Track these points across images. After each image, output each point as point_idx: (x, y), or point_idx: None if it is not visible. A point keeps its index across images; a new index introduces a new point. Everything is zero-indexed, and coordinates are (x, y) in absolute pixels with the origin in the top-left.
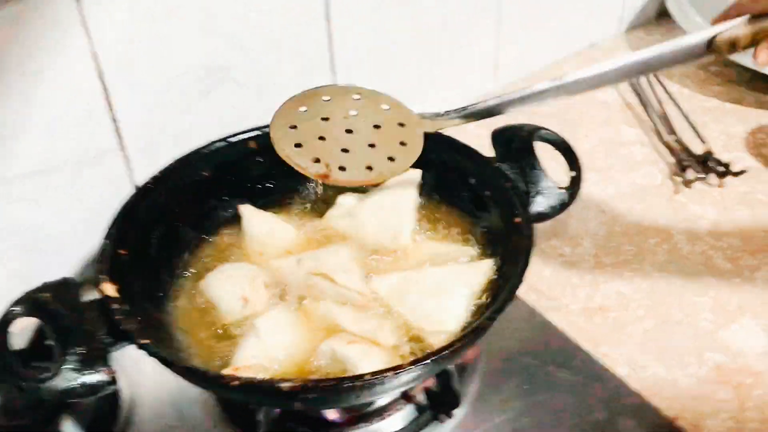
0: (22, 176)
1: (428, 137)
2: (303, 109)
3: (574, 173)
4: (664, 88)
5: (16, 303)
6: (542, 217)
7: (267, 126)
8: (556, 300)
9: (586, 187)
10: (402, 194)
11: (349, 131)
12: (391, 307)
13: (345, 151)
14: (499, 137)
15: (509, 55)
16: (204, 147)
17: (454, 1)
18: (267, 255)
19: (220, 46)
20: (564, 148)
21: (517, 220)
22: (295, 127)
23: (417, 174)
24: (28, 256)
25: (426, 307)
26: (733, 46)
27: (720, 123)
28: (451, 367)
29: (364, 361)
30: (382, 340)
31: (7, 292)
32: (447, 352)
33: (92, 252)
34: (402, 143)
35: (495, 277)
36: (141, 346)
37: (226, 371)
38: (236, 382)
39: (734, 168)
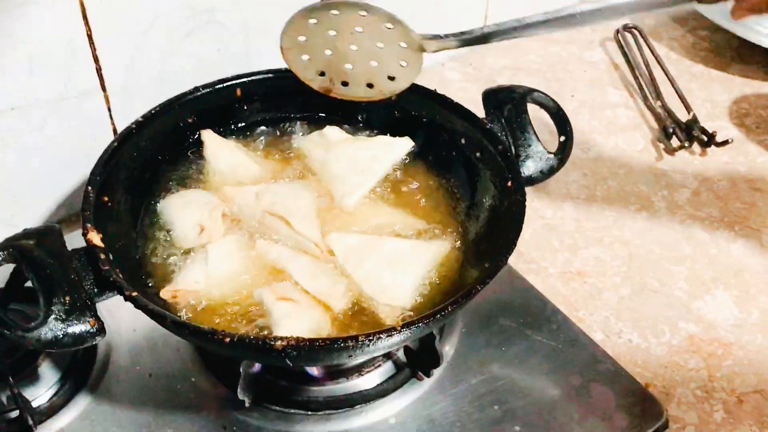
0: None
1: (421, 95)
2: (313, 21)
3: (563, 138)
4: (652, 50)
5: None
6: (530, 181)
7: (253, 74)
8: (535, 263)
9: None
10: (381, 157)
11: (353, 47)
12: (345, 270)
13: (348, 66)
14: (491, 98)
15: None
16: (189, 93)
17: None
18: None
19: None
20: (555, 113)
21: (509, 184)
22: (304, 38)
23: (408, 144)
24: (3, 194)
25: (381, 278)
26: None
27: (705, 90)
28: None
29: (284, 321)
30: (333, 304)
31: None
32: (448, 310)
33: (68, 193)
34: (402, 64)
35: (463, 248)
36: (129, 299)
37: (164, 292)
38: (228, 339)
39: (719, 138)
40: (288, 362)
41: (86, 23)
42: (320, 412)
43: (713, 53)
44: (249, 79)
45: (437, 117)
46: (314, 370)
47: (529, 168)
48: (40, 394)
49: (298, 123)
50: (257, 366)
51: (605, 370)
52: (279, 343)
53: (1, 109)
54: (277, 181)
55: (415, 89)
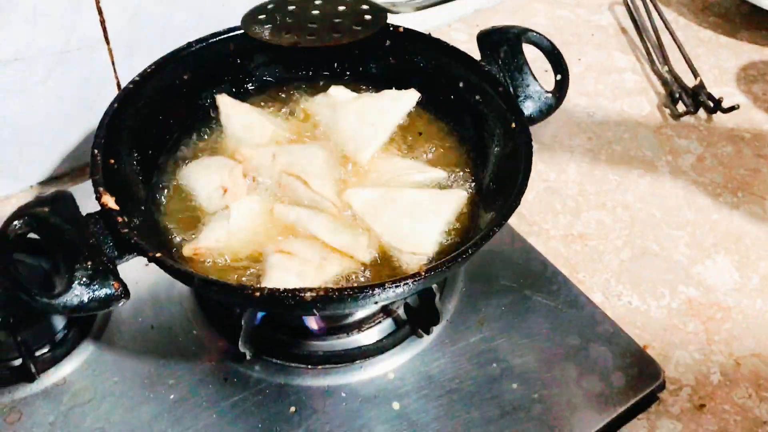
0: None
1: (416, 40)
2: (270, 5)
3: (560, 77)
4: (661, 15)
5: (14, 218)
6: (530, 120)
7: None
8: (537, 225)
9: (574, 113)
10: (389, 110)
11: (315, 12)
12: (365, 222)
13: (312, 24)
14: (486, 40)
15: None
16: (183, 48)
17: None
18: (243, 149)
19: None
20: (550, 52)
21: (513, 125)
22: (263, 14)
23: (414, 96)
24: (4, 145)
25: (402, 227)
26: None
27: (713, 56)
28: (434, 285)
29: (275, 270)
30: (359, 256)
31: None
32: (469, 252)
33: (73, 147)
34: (366, 18)
35: (475, 200)
36: (152, 260)
37: (186, 249)
38: (258, 293)
39: (725, 104)
40: (315, 312)
41: None
42: (320, 366)
43: (722, 19)
44: (242, 32)
45: (433, 62)
46: (315, 325)
47: (528, 108)
48: (43, 343)
49: (300, 80)
50: (258, 319)
51: (604, 331)
52: (308, 294)
53: (6, 59)
54: (292, 143)
55: (410, 35)
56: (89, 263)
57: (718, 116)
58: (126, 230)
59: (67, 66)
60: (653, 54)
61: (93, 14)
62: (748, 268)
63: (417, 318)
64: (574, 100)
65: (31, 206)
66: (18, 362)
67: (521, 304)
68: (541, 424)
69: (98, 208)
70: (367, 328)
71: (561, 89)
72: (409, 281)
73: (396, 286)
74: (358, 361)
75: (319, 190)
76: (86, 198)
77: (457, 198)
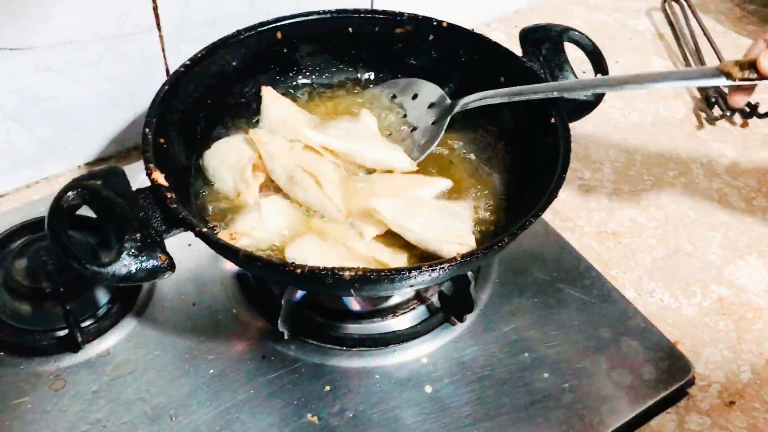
0: (52, 45)
1: (459, 35)
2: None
3: (600, 76)
4: (699, 22)
5: (68, 189)
6: (569, 118)
7: (293, 16)
8: (571, 221)
9: (610, 114)
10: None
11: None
12: (400, 223)
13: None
14: (529, 37)
15: None
16: (232, 36)
17: None
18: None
19: None
20: (592, 51)
21: (552, 120)
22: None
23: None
24: (55, 125)
25: (439, 224)
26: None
27: None
28: (469, 273)
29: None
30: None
31: (42, 157)
32: (505, 241)
33: (119, 130)
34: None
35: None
36: (199, 235)
37: (222, 234)
38: (299, 270)
39: (761, 110)
40: (352, 292)
41: None
42: (355, 348)
43: (761, 27)
44: (289, 21)
45: (475, 56)
46: (355, 306)
47: (567, 105)
48: (88, 315)
49: (343, 71)
50: (298, 297)
51: (635, 326)
52: (347, 273)
53: (61, 41)
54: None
55: (453, 29)
56: (138, 235)
57: (754, 121)
58: (175, 205)
59: (118, 50)
60: (690, 59)
61: (147, 0)
62: None
63: (450, 306)
64: (610, 102)
65: (85, 179)
66: (63, 333)
67: (554, 296)
68: (571, 412)
69: (144, 186)
70: (402, 314)
71: None
72: (445, 265)
73: (432, 270)
74: (392, 345)
75: (330, 194)
76: (132, 178)
77: (468, 207)
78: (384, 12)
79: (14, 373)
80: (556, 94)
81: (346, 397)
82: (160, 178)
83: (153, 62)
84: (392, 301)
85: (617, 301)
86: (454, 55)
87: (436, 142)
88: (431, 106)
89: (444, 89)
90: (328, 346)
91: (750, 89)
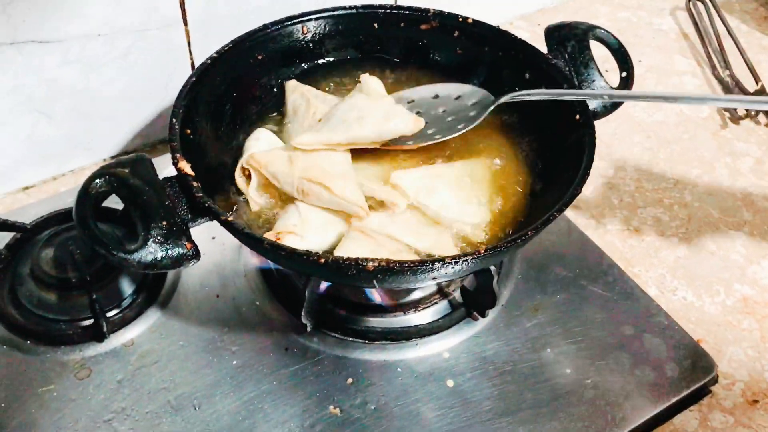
0: (80, 38)
1: (484, 31)
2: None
3: (625, 74)
4: (723, 21)
5: (96, 176)
6: (594, 116)
7: (319, 11)
8: (594, 219)
9: (634, 113)
10: None
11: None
12: (419, 201)
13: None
14: (554, 34)
15: None
16: (259, 30)
17: None
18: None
19: None
20: (617, 50)
21: (578, 117)
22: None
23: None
24: (82, 117)
25: (456, 200)
26: None
27: None
28: (492, 267)
29: (350, 242)
30: (447, 254)
31: (69, 150)
32: (528, 235)
33: (145, 124)
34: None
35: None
36: (225, 223)
37: (268, 235)
38: (323, 260)
39: None
40: (375, 284)
41: None
42: (377, 342)
43: None
44: (315, 16)
45: (500, 53)
46: (377, 298)
47: (593, 103)
48: (113, 306)
49: (368, 67)
50: (321, 289)
51: (658, 323)
52: (371, 264)
53: (89, 34)
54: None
55: (479, 26)
56: (164, 223)
57: None
58: (201, 194)
59: (145, 44)
60: (714, 58)
61: None
62: None
63: (473, 301)
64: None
65: (112, 167)
66: (88, 322)
67: (576, 293)
68: (594, 408)
69: (171, 175)
70: (424, 308)
71: (626, 85)
72: (468, 258)
73: (455, 263)
74: (413, 339)
75: (341, 193)
76: (158, 171)
77: (483, 163)
78: (409, 8)
79: (40, 361)
80: (598, 101)
81: (368, 389)
82: (186, 167)
83: (179, 56)
84: (415, 296)
85: (640, 299)
86: (479, 52)
87: (471, 126)
88: (474, 104)
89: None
90: (350, 339)
91: None
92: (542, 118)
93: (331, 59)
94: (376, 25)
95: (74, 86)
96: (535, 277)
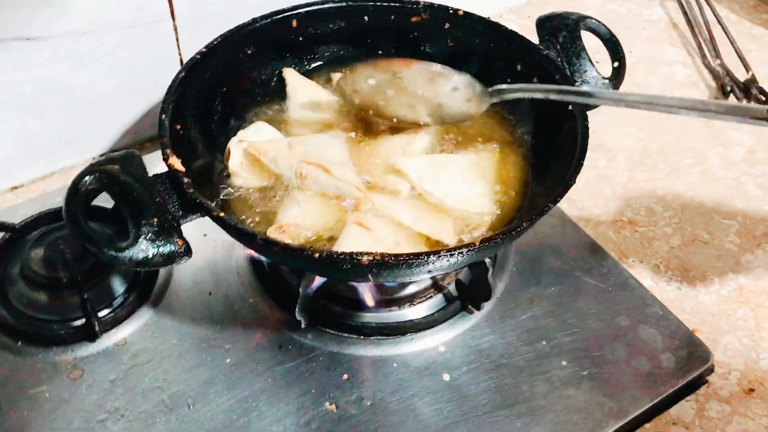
0: (69, 35)
1: (475, 23)
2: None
3: (617, 64)
4: (713, 10)
5: (85, 173)
6: (586, 106)
7: (309, 4)
8: (587, 210)
9: None
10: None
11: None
12: (422, 187)
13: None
14: (545, 25)
15: None
16: (248, 24)
17: None
18: (306, 123)
19: None
20: (608, 39)
21: (570, 107)
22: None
23: None
24: (71, 115)
25: (461, 189)
26: None
27: (765, 51)
28: (487, 260)
29: (348, 239)
30: (446, 240)
31: (57, 148)
32: (523, 226)
33: (134, 121)
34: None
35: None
36: (216, 219)
37: (270, 230)
38: (317, 254)
39: None
40: (370, 278)
41: None
42: (372, 337)
43: None
44: (305, 10)
45: (492, 45)
46: (368, 296)
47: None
48: (104, 305)
49: (358, 59)
50: (315, 285)
51: (653, 314)
52: (365, 258)
53: (77, 31)
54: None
55: (468, 17)
56: (155, 220)
57: None
58: (192, 190)
59: (133, 40)
60: (704, 48)
61: None
62: None
63: (468, 294)
64: (625, 91)
65: (102, 164)
66: (80, 322)
67: (571, 284)
68: (591, 400)
69: (161, 172)
70: (419, 303)
71: (618, 76)
72: (464, 250)
73: (450, 255)
74: (408, 334)
75: (341, 176)
76: (148, 169)
77: (492, 155)
78: (400, 1)
79: (32, 362)
80: (594, 101)
81: (364, 385)
82: (177, 163)
83: (167, 52)
84: (409, 290)
85: (635, 289)
86: (470, 44)
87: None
88: (469, 100)
89: None
90: (345, 334)
91: None
92: (535, 109)
93: (322, 52)
94: (366, 17)
95: (63, 84)
96: (530, 269)
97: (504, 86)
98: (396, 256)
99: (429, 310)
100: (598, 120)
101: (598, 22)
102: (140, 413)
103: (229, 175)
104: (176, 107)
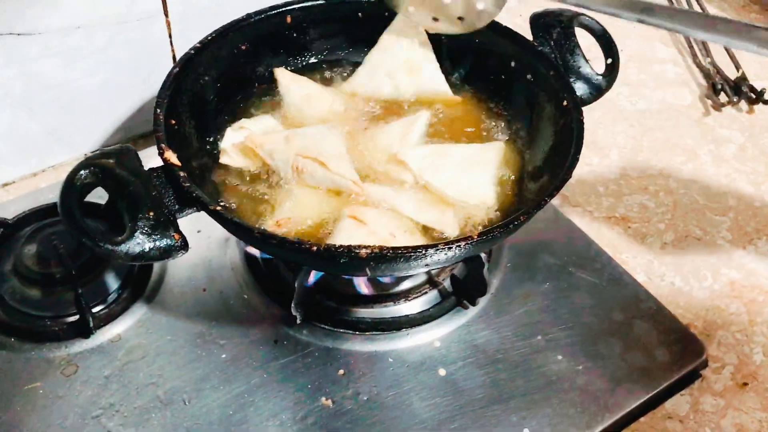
0: (60, 31)
1: None
2: None
3: (610, 60)
4: (703, 8)
5: (81, 167)
6: (581, 102)
7: (303, 0)
8: (580, 207)
9: (618, 100)
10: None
11: None
12: (423, 178)
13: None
14: (539, 22)
15: None
16: (242, 19)
17: None
18: (304, 120)
19: None
20: (602, 36)
21: (565, 103)
22: None
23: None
24: (62, 111)
25: (461, 180)
26: None
27: None
28: (483, 255)
29: (342, 234)
30: (447, 232)
31: (48, 145)
32: (521, 219)
33: (126, 118)
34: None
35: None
36: (212, 213)
37: (268, 225)
38: (315, 248)
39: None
40: (368, 271)
41: None
42: (367, 333)
43: (763, 15)
44: (299, 6)
45: (486, 41)
46: (364, 290)
47: (579, 89)
48: (98, 301)
49: (352, 54)
50: (311, 280)
51: (648, 309)
52: (363, 251)
53: (69, 26)
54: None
55: None
56: (151, 214)
57: (760, 107)
58: (189, 184)
59: (125, 36)
60: (695, 47)
61: None
62: None
63: (462, 290)
64: (617, 89)
65: (97, 158)
66: (73, 318)
67: (565, 280)
68: (586, 394)
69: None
70: (414, 298)
71: (611, 72)
72: (462, 244)
73: (448, 249)
74: (404, 329)
75: (338, 170)
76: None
77: (497, 147)
78: None
79: (25, 359)
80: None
81: (360, 380)
82: (172, 157)
83: (160, 49)
84: (404, 286)
85: (629, 285)
86: (464, 40)
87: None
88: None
89: (454, 73)
90: (340, 330)
91: None
92: (530, 104)
93: (316, 48)
94: (360, 14)
95: (54, 79)
96: (524, 265)
97: None
98: (394, 249)
99: (424, 305)
100: (590, 118)
101: (592, 18)
102: (135, 409)
103: (222, 168)
104: (171, 102)
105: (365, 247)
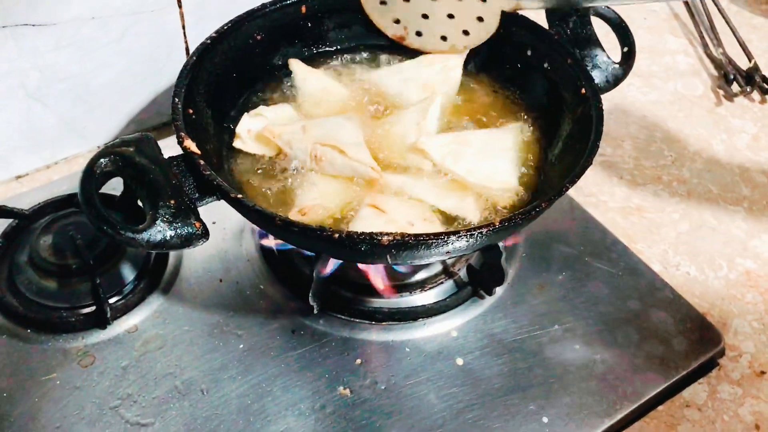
0: (74, 21)
1: None
2: None
3: (626, 49)
4: (714, 1)
5: (100, 156)
6: (599, 90)
7: None
8: (594, 197)
9: (629, 91)
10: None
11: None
12: (445, 167)
13: (425, 17)
14: (555, 10)
15: None
16: (257, 9)
17: None
18: (320, 110)
19: None
20: (618, 24)
21: (583, 91)
22: None
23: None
24: (76, 103)
25: (484, 166)
26: None
27: (766, 41)
28: (501, 244)
29: (361, 222)
30: (470, 217)
31: (62, 137)
32: (536, 211)
33: (140, 109)
34: (479, 18)
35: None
36: (233, 201)
37: (292, 213)
38: (336, 235)
39: None
40: (389, 259)
41: None
42: (384, 323)
43: None
44: None
45: (501, 29)
46: (379, 282)
47: (596, 77)
48: (115, 291)
49: (367, 46)
50: (329, 269)
51: (664, 298)
52: (385, 238)
53: (83, 17)
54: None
55: None
56: (172, 201)
57: None
58: (209, 172)
59: (139, 27)
60: (706, 37)
61: None
62: None
63: (479, 280)
64: (629, 80)
65: (117, 146)
66: (90, 309)
67: (581, 270)
68: (604, 383)
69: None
70: (430, 288)
71: (628, 60)
72: (483, 230)
73: (470, 235)
74: (420, 319)
75: (356, 156)
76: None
77: (516, 130)
78: None
79: (42, 350)
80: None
81: (378, 370)
82: (192, 145)
83: (173, 40)
84: (420, 276)
85: (645, 274)
86: None
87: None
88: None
89: (470, 63)
90: (357, 320)
91: None
92: (548, 93)
93: (332, 38)
94: None
95: (68, 71)
96: (540, 255)
97: None
98: (416, 236)
99: (440, 295)
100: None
101: (608, 7)
102: (153, 399)
103: (238, 157)
104: (188, 92)
105: (387, 234)
